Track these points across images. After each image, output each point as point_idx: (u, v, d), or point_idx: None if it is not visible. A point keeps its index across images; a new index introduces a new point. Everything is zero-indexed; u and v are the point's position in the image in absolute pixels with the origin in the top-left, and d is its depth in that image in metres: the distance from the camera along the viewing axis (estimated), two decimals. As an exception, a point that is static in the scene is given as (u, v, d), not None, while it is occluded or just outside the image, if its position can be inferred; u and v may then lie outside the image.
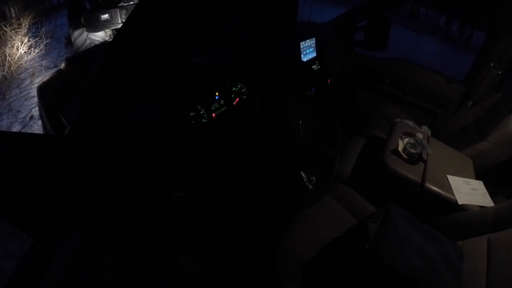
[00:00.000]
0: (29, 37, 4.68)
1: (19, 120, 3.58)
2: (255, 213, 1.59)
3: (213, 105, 1.27)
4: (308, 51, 1.63)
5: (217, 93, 1.28)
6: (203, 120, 1.23)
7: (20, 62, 4.36)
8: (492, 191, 1.62)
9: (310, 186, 1.15)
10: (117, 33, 0.90)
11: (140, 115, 1.07)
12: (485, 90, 2.31)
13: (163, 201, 1.14)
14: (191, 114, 1.19)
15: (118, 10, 4.30)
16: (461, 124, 2.32)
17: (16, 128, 3.43)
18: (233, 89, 1.35)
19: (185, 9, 1.06)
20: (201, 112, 1.23)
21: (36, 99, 3.89)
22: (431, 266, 1.07)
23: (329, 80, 1.61)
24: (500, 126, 1.86)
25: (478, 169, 1.79)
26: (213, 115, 1.27)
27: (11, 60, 4.18)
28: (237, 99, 1.37)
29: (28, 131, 3.38)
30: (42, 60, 4.74)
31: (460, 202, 1.50)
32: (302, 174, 1.15)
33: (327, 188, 1.22)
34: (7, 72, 4.08)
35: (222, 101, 1.31)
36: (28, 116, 3.63)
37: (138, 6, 0.86)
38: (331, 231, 1.38)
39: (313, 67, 1.65)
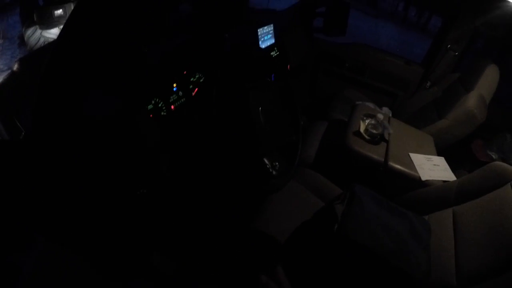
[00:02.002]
0: (-21, 38, 4.43)
1: (-30, 125, 3.36)
2: (221, 204, 1.57)
3: (171, 97, 1.23)
4: (266, 37, 1.62)
5: (175, 85, 1.24)
6: (162, 113, 1.19)
7: (-30, 65, 4.12)
8: (454, 167, 1.68)
9: (274, 172, 1.14)
10: (65, 24, 0.84)
11: (96, 110, 1.02)
12: (442, 71, 2.39)
13: (127, 200, 1.10)
14: (149, 107, 1.15)
15: (72, 4, 4.10)
16: (421, 104, 2.40)
17: (-34, 134, 3.23)
18: (191, 79, 1.32)
19: None
20: (160, 105, 1.18)
21: (-11, 104, 3.71)
22: (399, 241, 1.10)
23: (289, 66, 1.60)
24: (458, 104, 1.93)
25: (439, 146, 1.85)
26: (172, 107, 1.23)
27: (-40, 63, 3.93)
28: (196, 89, 1.33)
29: (-20, 137, 3.21)
30: (-6, 62, 4.48)
31: (423, 178, 1.55)
32: (265, 160, 1.14)
33: (291, 174, 1.21)
34: (-44, 77, 3.84)
35: (180, 93, 1.27)
36: (-20, 122, 3.43)
37: None
38: (299, 215, 1.38)
39: (272, 53, 1.64)
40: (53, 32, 4.31)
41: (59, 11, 4.04)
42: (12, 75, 1.75)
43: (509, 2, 1.93)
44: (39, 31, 4.26)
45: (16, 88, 1.66)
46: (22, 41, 4.94)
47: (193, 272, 1.46)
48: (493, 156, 2.26)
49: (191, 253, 1.49)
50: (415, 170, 1.58)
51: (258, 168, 1.13)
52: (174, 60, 1.27)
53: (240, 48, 1.27)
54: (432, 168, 1.63)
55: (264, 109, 1.16)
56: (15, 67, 1.78)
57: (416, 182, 1.56)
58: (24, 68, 1.75)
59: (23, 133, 1.09)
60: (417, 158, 1.65)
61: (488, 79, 1.97)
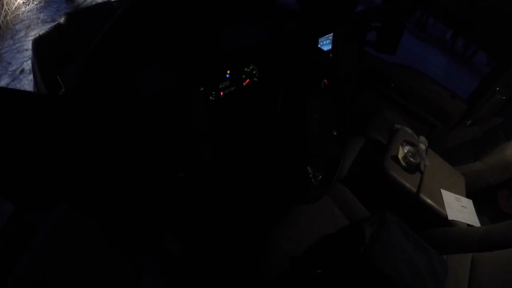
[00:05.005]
0: (29, -13, 4.50)
1: (9, 72, 3.44)
2: (251, 202, 1.57)
3: (222, 83, 1.23)
4: (324, 42, 1.60)
5: (228, 71, 1.24)
6: (211, 98, 1.19)
7: (17, 13, 4.18)
8: (477, 211, 1.65)
9: (314, 183, 1.13)
10: None
11: (149, 84, 1.01)
12: (486, 112, 2.33)
13: (161, 180, 1.10)
14: (201, 89, 1.14)
15: (123, -31, 4.14)
16: (458, 141, 2.35)
17: (4, 81, 3.30)
18: (245, 69, 1.31)
19: None
20: (210, 89, 1.18)
21: (29, 53, 3.76)
22: (418, 276, 1.09)
23: None
24: (496, 150, 1.89)
25: (468, 188, 1.81)
26: (221, 93, 1.23)
27: (8, 9, 4.00)
28: (247, 80, 1.33)
29: (17, 85, 3.29)
30: (40, 13, 4.55)
31: (450, 217, 1.53)
32: (309, 169, 1.13)
33: (330, 187, 1.20)
34: (2, 22, 3.92)
35: (232, 80, 1.26)
36: (19, 70, 3.50)
37: None
38: (322, 229, 1.37)
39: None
40: (102, -7, 4.36)
41: (109, -26, 4.09)
42: (58, 28, 1.76)
43: None
44: (88, -10, 4.32)
45: (59, 41, 1.67)
46: (69, -3, 5.04)
47: (198, 258, 1.47)
48: (517, 210, 2.21)
49: (203, 241, 1.49)
50: (444, 208, 1.56)
51: (301, 175, 1.12)
52: (245, 52, 1.26)
53: (303, 51, 1.25)
54: (460, 209, 1.61)
55: (319, 118, 1.15)
56: (62, 20, 1.79)
57: (442, 220, 1.54)
58: (70, 23, 1.76)
59: (62, 89, 1.05)
60: (447, 196, 1.63)
61: None
